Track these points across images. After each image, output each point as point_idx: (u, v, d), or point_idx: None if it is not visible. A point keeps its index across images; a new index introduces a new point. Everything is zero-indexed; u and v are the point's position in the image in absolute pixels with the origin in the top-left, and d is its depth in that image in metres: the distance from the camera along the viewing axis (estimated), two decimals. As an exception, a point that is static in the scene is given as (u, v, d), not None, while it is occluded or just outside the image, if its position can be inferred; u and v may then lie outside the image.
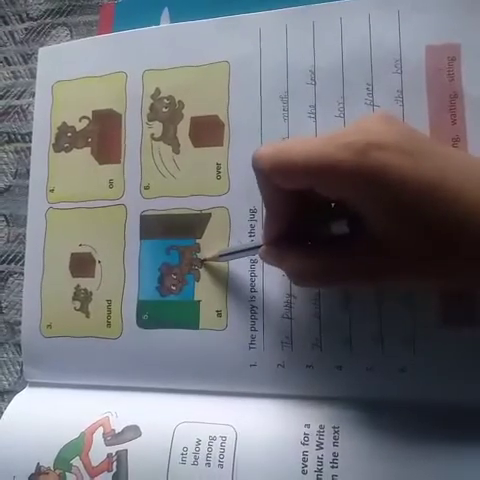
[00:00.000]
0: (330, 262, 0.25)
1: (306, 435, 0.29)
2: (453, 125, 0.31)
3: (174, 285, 0.34)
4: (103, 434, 0.32)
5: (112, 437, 0.32)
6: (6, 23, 0.42)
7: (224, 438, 0.30)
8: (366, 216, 0.24)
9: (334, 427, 0.29)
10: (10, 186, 0.40)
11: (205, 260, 0.33)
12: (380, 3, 0.32)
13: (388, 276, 0.25)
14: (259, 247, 0.29)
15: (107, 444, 0.32)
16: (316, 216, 0.26)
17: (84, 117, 0.37)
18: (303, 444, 0.29)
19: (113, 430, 0.32)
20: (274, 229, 0.27)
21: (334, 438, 0.29)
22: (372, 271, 0.25)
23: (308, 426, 0.30)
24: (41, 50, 0.39)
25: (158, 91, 0.36)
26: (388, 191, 0.22)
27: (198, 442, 0.30)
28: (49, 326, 0.36)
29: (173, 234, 0.34)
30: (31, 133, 0.39)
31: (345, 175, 0.22)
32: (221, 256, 0.32)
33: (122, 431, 0.32)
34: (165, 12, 0.37)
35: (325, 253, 0.25)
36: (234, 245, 0.33)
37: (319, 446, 0.29)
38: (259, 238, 0.30)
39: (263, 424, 0.30)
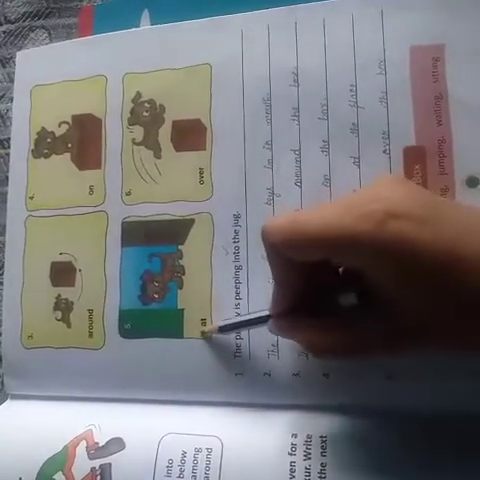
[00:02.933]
0: (349, 337, 0.24)
1: (293, 445, 0.29)
2: (439, 126, 0.30)
3: (156, 293, 0.33)
4: (86, 447, 0.31)
5: (95, 450, 0.31)
6: (-17, 26, 0.41)
7: (210, 450, 0.30)
8: (383, 287, 0.23)
9: (321, 437, 0.29)
10: (-11, 193, 0.39)
11: (204, 332, 0.32)
12: (363, 3, 0.32)
13: (411, 349, 0.24)
14: (265, 319, 0.28)
15: (90, 458, 0.31)
16: (324, 287, 0.26)
17: (64, 122, 0.36)
18: (290, 454, 0.28)
19: (96, 443, 0.31)
20: (284, 301, 0.27)
21: (322, 448, 0.28)
22: (393, 344, 0.24)
23: (295, 436, 0.29)
24: (19, 54, 0.38)
25: (139, 95, 0.35)
26: (407, 262, 0.21)
27: (184, 454, 0.30)
28: (30, 337, 0.35)
29: (155, 241, 0.33)
30: (10, 139, 0.38)
31: (364, 247, 0.22)
32: (222, 328, 0.31)
33: (106, 444, 0.31)
34: (145, 14, 0.36)
35: (341, 327, 0.25)
36: (237, 317, 0.31)
37: (307, 456, 0.28)
38: (258, 306, 0.30)
39: (249, 434, 0.30)
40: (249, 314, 0.30)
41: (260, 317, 0.29)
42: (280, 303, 0.27)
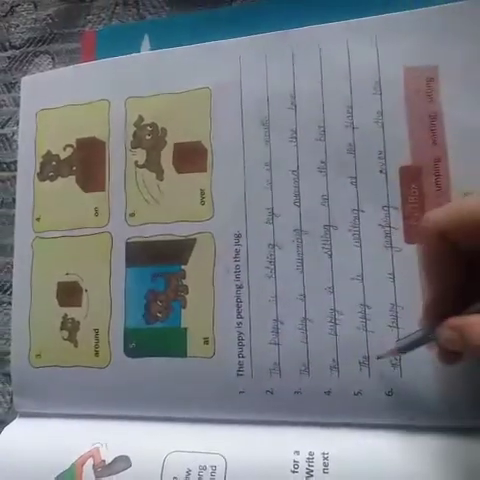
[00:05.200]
0: None
1: (296, 462, 0.29)
2: (434, 145, 0.31)
3: (160, 312, 0.34)
4: (93, 465, 0.32)
5: (102, 468, 0.32)
6: (-11, 52, 0.42)
7: (214, 467, 0.30)
8: None
9: (323, 453, 0.29)
10: (-4, 215, 0.40)
11: (380, 357, 0.30)
12: (358, 27, 0.33)
13: None
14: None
15: (97, 476, 0.32)
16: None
17: (68, 145, 0.37)
18: (293, 471, 0.29)
19: (103, 461, 0.32)
20: (444, 302, 0.26)
21: (324, 465, 0.29)
22: None
23: (297, 453, 0.29)
24: (24, 79, 0.39)
25: (141, 118, 0.36)
26: None
27: (188, 472, 0.30)
28: (38, 356, 0.36)
29: (158, 261, 0.34)
30: (16, 162, 0.39)
31: None
32: (400, 350, 0.29)
33: (112, 462, 0.32)
34: (145, 39, 0.37)
35: None
36: (413, 334, 0.28)
37: (309, 473, 0.29)
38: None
39: (252, 452, 0.30)
40: (420, 330, 0.28)
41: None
42: (439, 305, 0.26)
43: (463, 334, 0.24)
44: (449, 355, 0.26)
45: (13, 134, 0.40)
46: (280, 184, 0.33)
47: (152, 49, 0.37)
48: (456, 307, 0.25)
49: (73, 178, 0.37)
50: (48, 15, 0.41)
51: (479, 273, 0.25)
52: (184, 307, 0.33)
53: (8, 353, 0.37)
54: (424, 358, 0.29)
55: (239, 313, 0.32)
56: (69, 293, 0.36)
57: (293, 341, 0.31)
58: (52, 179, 0.37)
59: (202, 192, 0.34)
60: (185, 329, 0.33)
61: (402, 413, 0.29)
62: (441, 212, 0.24)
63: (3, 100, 0.41)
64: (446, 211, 0.24)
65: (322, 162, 0.32)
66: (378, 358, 0.30)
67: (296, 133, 0.33)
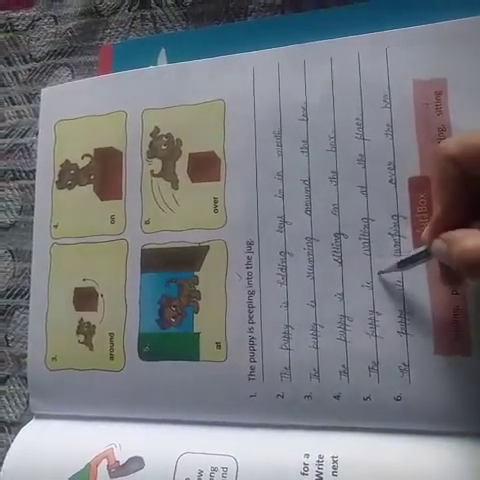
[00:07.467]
0: None
1: (306, 465, 0.30)
2: (442, 157, 0.32)
3: (174, 317, 0.35)
4: (108, 466, 0.33)
5: (116, 469, 0.33)
6: (10, 64, 0.44)
7: (225, 469, 0.31)
8: None
9: (333, 457, 0.30)
10: (15, 222, 0.41)
11: (382, 273, 0.31)
12: (368, 41, 0.33)
13: None
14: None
15: (111, 476, 0.32)
16: None
17: (86, 155, 0.38)
18: (303, 474, 0.30)
19: (117, 462, 0.33)
20: (449, 223, 0.26)
21: (333, 468, 0.29)
22: None
23: (307, 456, 0.30)
24: (44, 90, 0.41)
25: (157, 129, 0.37)
26: None
27: (200, 473, 0.31)
28: (54, 359, 0.37)
29: (172, 267, 0.35)
30: (35, 170, 0.40)
31: None
32: (400, 265, 0.30)
33: (126, 463, 0.33)
34: (162, 53, 0.38)
35: None
36: (411, 251, 0.30)
37: (318, 476, 0.29)
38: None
39: (263, 454, 0.31)
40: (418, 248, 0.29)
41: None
42: (444, 222, 0.27)
43: (450, 245, 0.25)
44: (448, 275, 0.28)
45: (32, 144, 0.42)
46: (292, 193, 0.34)
47: (168, 62, 0.38)
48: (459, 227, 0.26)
49: (91, 186, 0.38)
50: (68, 29, 0.42)
51: None
52: (197, 312, 0.34)
53: (25, 356, 0.38)
54: (432, 364, 0.30)
55: (251, 318, 0.33)
56: (85, 298, 0.37)
57: (303, 346, 0.32)
58: (70, 187, 0.38)
59: (215, 200, 0.35)
60: (198, 334, 0.34)
61: (410, 418, 0.30)
62: (454, 141, 0.26)
63: (23, 111, 0.43)
64: (459, 140, 0.25)
65: (333, 172, 0.33)
66: (379, 273, 0.31)
67: (307, 144, 0.34)
